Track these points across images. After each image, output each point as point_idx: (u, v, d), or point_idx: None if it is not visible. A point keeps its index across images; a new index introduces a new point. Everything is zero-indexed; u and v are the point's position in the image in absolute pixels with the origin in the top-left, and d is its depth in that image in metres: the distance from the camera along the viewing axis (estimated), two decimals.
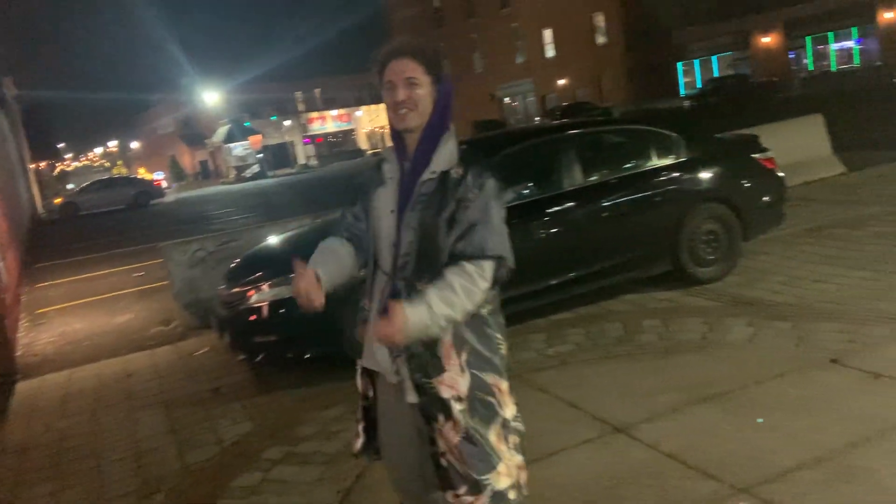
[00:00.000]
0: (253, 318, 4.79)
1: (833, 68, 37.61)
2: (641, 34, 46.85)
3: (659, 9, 43.75)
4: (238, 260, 5.82)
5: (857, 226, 6.61)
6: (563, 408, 3.77)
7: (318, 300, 1.87)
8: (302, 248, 2.45)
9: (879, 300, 4.60)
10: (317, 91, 61.66)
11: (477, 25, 51.54)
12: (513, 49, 50.01)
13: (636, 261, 5.42)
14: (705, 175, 5.61)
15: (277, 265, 4.96)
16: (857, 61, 36.80)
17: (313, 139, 58.55)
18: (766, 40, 40.56)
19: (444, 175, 1.91)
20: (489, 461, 1.90)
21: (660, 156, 5.58)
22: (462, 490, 1.89)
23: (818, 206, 7.70)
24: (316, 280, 1.90)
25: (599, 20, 49.65)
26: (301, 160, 56.04)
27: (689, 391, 3.70)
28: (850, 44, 37.20)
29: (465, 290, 1.81)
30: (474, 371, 1.92)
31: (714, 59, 44.53)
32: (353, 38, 57.92)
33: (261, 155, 48.24)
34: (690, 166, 5.57)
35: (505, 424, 1.97)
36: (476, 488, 1.88)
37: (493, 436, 1.93)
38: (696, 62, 45.64)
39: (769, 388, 3.61)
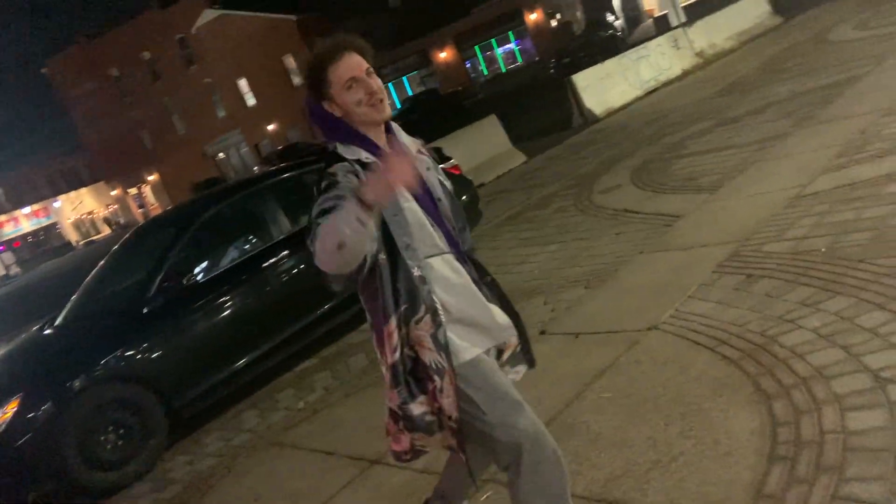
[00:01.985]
0: None
1: (503, 70, 42.32)
2: None
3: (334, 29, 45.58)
4: None
5: (542, 206, 7.52)
6: (320, 458, 3.72)
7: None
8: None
9: (569, 267, 5.26)
10: None
11: (166, 88, 49.28)
12: (211, 104, 48.68)
13: (350, 300, 5.55)
14: None
15: None
16: (520, 59, 41.87)
17: (9, 244, 51.14)
18: (444, 55, 44.38)
19: (421, 151, 2.01)
20: None
21: None
22: None
23: (510, 195, 8.61)
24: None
25: (291, 62, 50.26)
26: None
27: None
28: (510, 46, 42.19)
29: None
30: None
31: (405, 79, 47.57)
32: (32, 124, 51.79)
33: None
34: None
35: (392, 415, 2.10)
36: None
37: None
38: (390, 85, 48.38)
39: None
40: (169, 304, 4.66)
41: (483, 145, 9.79)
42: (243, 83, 48.39)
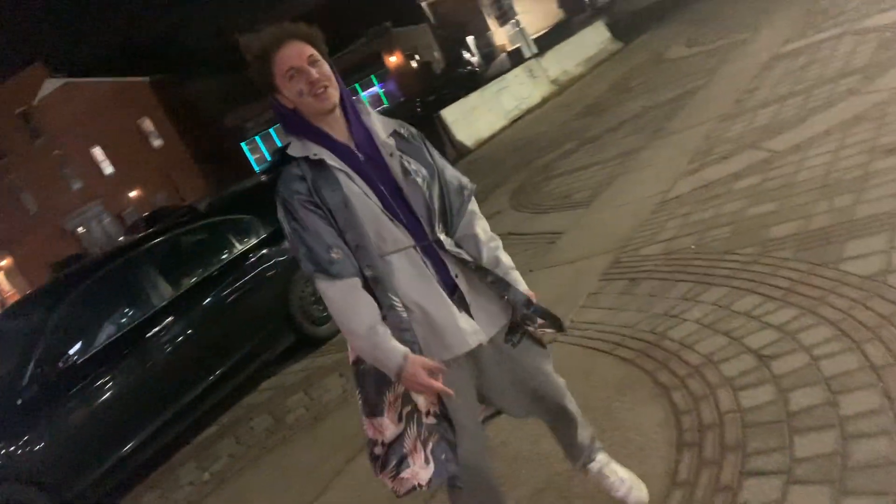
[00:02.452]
0: None
1: None
2: (195, 127, 47.06)
3: (201, 100, 44.50)
4: None
5: None
6: None
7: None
8: None
9: None
10: None
11: (11, 166, 45.87)
12: (64, 177, 45.76)
13: (259, 345, 5.39)
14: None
15: None
16: (386, 102, 42.55)
17: None
18: None
19: (397, 133, 1.90)
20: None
21: (242, 240, 5.65)
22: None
23: None
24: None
25: (148, 125, 48.36)
26: None
27: (348, 445, 3.79)
28: (375, 90, 42.84)
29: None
30: None
31: (272, 131, 46.98)
32: None
33: None
34: (273, 240, 5.75)
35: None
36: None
37: None
38: (258, 138, 47.61)
39: None
40: (45, 391, 4.29)
41: None
42: (98, 151, 45.94)
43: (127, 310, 4.91)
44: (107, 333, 4.75)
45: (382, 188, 1.81)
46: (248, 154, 48.28)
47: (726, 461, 2.31)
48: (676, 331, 3.26)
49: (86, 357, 4.53)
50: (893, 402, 2.21)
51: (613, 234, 4.89)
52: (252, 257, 5.58)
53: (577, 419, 2.24)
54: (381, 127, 1.90)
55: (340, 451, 3.77)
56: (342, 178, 1.78)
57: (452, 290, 1.88)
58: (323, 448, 3.94)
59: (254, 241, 5.68)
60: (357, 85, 42.60)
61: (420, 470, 1.81)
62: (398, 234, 1.80)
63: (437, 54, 46.08)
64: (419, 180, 1.85)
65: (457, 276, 1.89)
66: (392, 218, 1.80)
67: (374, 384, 1.86)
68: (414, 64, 42.32)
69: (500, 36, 45.72)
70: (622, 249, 4.53)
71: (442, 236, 1.88)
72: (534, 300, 2.00)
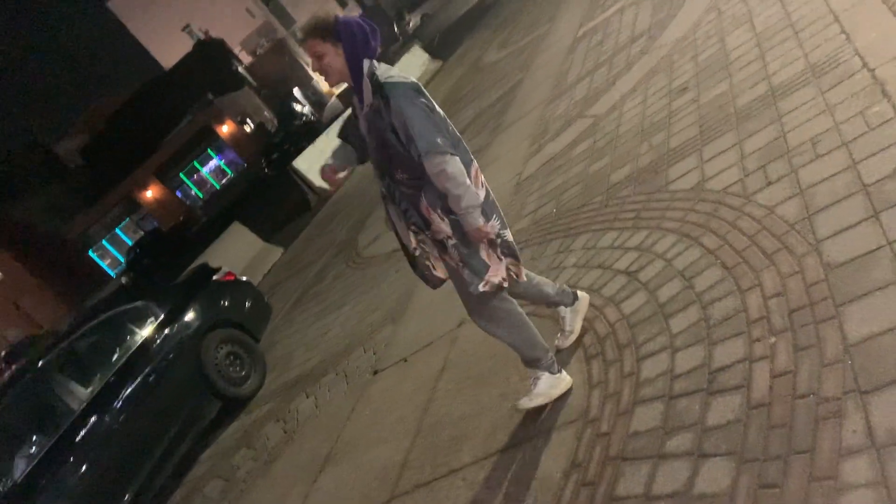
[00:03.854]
0: None
1: (217, 187, 41.93)
2: (33, 249, 43.91)
3: (32, 220, 41.66)
4: None
5: (320, 280, 7.92)
6: None
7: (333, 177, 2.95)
8: None
9: (370, 315, 5.70)
10: None
11: None
12: None
13: (186, 422, 5.44)
14: (190, 316, 5.95)
15: None
16: (230, 172, 41.81)
17: None
18: (150, 193, 42.69)
19: (374, 106, 2.57)
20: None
21: (142, 325, 5.68)
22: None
23: (286, 284, 8.86)
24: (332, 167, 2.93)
25: None
26: None
27: (307, 471, 4.03)
28: (215, 163, 42.00)
29: (448, 179, 2.52)
30: (452, 217, 2.66)
31: (118, 230, 44.75)
32: None
33: None
34: (172, 318, 5.82)
35: (491, 244, 2.74)
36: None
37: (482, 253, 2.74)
38: (105, 242, 45.15)
39: (352, 426, 4.21)
40: None
41: (238, 251, 9.92)
42: None
43: (47, 424, 4.83)
44: (38, 448, 4.65)
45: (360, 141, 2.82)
46: (98, 261, 45.63)
47: (625, 355, 2.85)
48: (561, 278, 3.80)
49: (24, 475, 4.43)
50: (731, 270, 2.83)
51: None
52: (157, 338, 5.63)
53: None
54: (367, 97, 2.67)
55: (301, 479, 4.00)
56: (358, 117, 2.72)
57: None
58: (284, 484, 4.15)
59: (154, 322, 5.73)
60: (196, 162, 41.63)
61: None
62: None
63: (267, 114, 45.92)
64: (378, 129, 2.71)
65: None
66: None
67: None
68: (247, 128, 41.94)
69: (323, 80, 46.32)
70: None
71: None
72: None
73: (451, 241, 2.71)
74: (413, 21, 39.13)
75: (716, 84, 4.38)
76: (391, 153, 2.62)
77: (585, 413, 2.73)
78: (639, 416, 2.51)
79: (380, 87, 2.54)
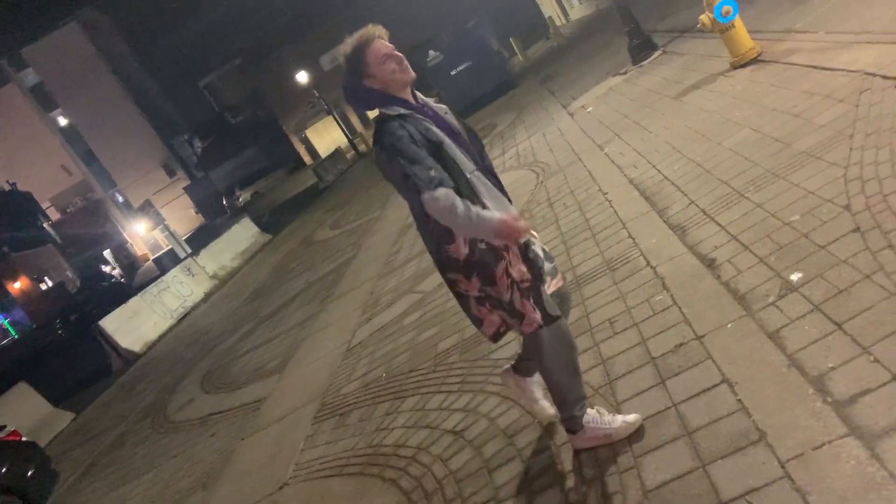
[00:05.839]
0: None
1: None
2: None
3: None
4: None
5: (118, 447, 7.19)
6: None
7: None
8: None
9: (177, 482, 5.26)
10: None
11: None
12: None
13: None
14: None
15: None
16: (15, 333, 37.36)
17: None
18: None
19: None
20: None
21: None
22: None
23: (74, 453, 7.90)
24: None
25: None
26: None
27: None
28: None
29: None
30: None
31: None
32: None
33: None
34: None
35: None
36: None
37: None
38: None
39: None
40: None
41: (21, 415, 8.76)
42: None
43: None
44: None
45: (451, 131, 2.60)
46: None
47: None
48: (390, 438, 3.89)
49: None
50: (546, 428, 3.12)
51: (313, 384, 5.45)
52: None
53: None
54: (432, 103, 2.71)
55: None
56: (431, 125, 2.54)
57: (503, 193, 2.72)
58: None
59: None
60: None
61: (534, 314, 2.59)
62: (468, 160, 2.59)
63: (69, 273, 42.63)
64: (464, 129, 2.71)
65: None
66: (464, 151, 2.59)
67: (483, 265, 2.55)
68: (44, 287, 38.43)
69: (141, 243, 44.63)
70: (325, 395, 5.10)
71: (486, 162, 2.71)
72: None
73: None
74: (243, 196, 39.75)
75: None
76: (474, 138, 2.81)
77: None
78: None
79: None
